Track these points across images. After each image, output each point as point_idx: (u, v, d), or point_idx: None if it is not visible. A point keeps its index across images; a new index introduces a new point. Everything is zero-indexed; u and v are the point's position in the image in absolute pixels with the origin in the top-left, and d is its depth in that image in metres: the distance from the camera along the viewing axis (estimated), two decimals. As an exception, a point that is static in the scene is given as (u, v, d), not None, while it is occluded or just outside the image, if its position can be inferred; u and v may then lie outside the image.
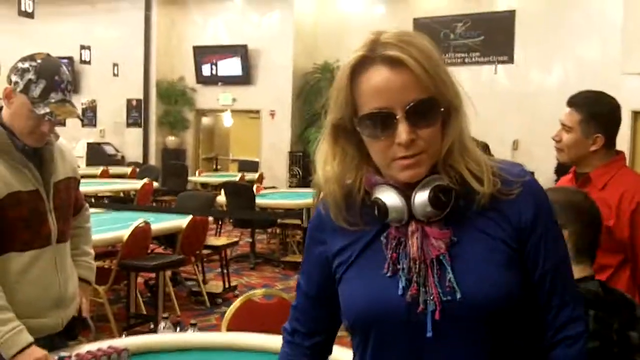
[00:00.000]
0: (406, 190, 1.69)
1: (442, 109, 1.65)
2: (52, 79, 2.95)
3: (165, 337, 3.35)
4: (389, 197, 1.69)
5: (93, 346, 3.08)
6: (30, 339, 2.87)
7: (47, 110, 2.92)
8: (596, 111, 3.44)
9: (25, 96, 2.94)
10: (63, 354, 2.85)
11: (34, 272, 3.03)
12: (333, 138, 1.79)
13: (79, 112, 3.13)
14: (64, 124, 3.11)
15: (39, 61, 2.98)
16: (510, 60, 15.62)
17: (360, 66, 1.69)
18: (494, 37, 15.82)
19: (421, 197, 1.67)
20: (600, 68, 13.51)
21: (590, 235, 2.57)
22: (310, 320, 1.94)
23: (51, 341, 3.10)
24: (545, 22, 14.79)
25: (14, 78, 2.98)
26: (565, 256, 1.80)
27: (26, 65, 2.97)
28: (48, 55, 3.05)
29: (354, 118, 1.71)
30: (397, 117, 1.62)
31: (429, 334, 1.65)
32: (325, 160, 1.81)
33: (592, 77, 12.42)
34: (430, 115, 1.63)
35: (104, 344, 3.09)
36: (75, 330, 3.27)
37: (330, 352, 1.99)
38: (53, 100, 2.94)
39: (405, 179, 1.67)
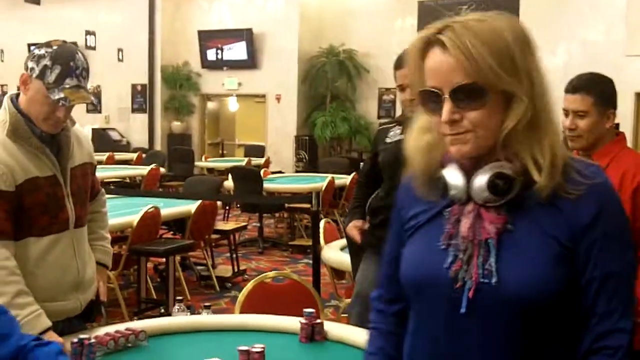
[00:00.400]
0: (472, 171, 1.74)
1: (491, 95, 1.68)
2: (68, 65, 2.98)
3: (180, 319, 3.39)
4: (453, 176, 1.77)
5: (111, 328, 3.14)
6: (48, 323, 2.90)
7: (62, 95, 2.95)
8: (605, 89, 3.53)
9: (40, 82, 2.98)
10: (82, 336, 2.89)
11: (52, 257, 3.06)
12: (422, 113, 1.85)
13: (93, 98, 3.14)
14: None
15: (54, 47, 3.01)
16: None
17: (426, 46, 1.76)
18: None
19: (480, 181, 1.72)
20: (604, 50, 13.53)
21: None
22: (392, 286, 1.99)
23: (70, 324, 3.15)
24: (549, 5, 14.76)
25: (30, 64, 3.01)
26: (623, 270, 1.73)
27: (42, 51, 3.00)
28: (64, 42, 3.08)
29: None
30: (444, 96, 1.70)
31: (463, 310, 1.70)
32: (416, 130, 1.88)
33: (596, 59, 12.44)
34: (475, 99, 1.68)
35: (122, 326, 3.14)
36: (93, 313, 3.32)
37: None
38: (68, 86, 2.97)
39: (453, 153, 1.74)
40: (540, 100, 1.70)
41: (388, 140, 4.14)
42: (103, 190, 3.59)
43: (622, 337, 1.70)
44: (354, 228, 4.26)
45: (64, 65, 2.98)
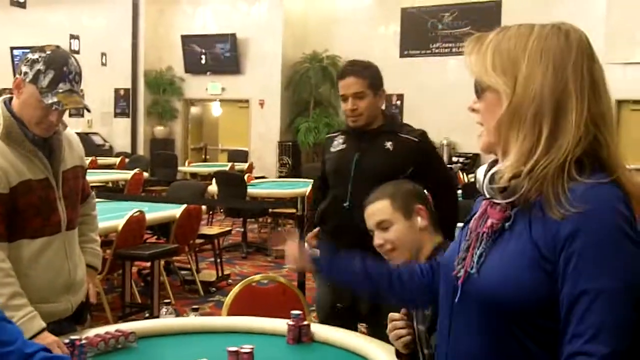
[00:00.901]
0: None
1: (486, 92, 1.78)
2: (61, 70, 3.02)
3: (169, 321, 3.43)
4: (480, 170, 1.83)
5: (101, 330, 3.17)
6: (43, 324, 2.93)
7: (55, 99, 2.99)
8: None
9: (34, 86, 3.01)
10: (73, 337, 2.92)
11: (45, 259, 3.10)
12: None
13: (86, 103, 3.19)
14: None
15: (48, 52, 3.05)
16: (497, 50, 15.69)
17: None
18: (480, 28, 15.64)
19: (480, 176, 1.81)
20: (585, 57, 13.61)
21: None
22: None
23: (60, 325, 3.17)
24: (530, 12, 14.82)
25: (23, 69, 3.05)
26: (600, 290, 1.60)
27: (36, 56, 3.04)
28: (57, 47, 3.12)
29: None
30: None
31: (456, 300, 1.80)
32: None
33: (578, 66, 12.52)
34: (480, 93, 1.81)
35: (112, 328, 3.17)
36: (83, 314, 3.35)
37: None
38: (61, 91, 3.01)
39: (479, 147, 1.85)
40: (531, 103, 1.69)
41: (332, 149, 4.19)
42: (93, 193, 3.63)
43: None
44: (311, 238, 4.29)
45: (58, 70, 3.02)
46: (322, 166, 4.41)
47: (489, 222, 1.76)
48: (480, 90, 1.79)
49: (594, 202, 1.64)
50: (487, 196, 1.78)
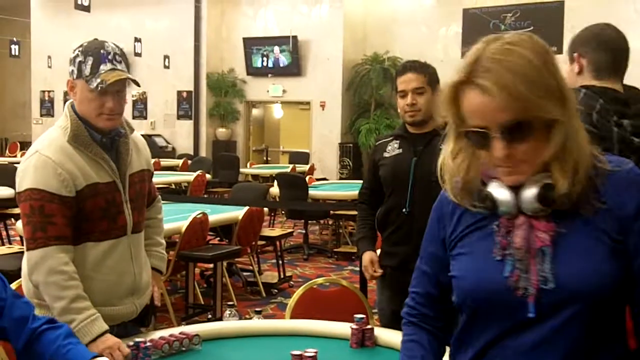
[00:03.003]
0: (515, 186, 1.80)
1: (536, 125, 1.73)
2: (98, 53, 3.04)
3: (233, 324, 3.43)
4: (500, 192, 1.81)
5: (165, 332, 3.19)
6: (105, 327, 2.95)
7: (99, 80, 3.01)
8: None
9: (81, 79, 3.05)
10: (138, 339, 2.94)
11: (110, 261, 3.12)
12: (452, 139, 1.89)
13: (130, 75, 3.16)
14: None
15: (84, 44, 3.09)
16: (559, 51, 15.43)
17: (460, 86, 1.79)
18: (543, 28, 15.71)
19: (528, 194, 1.77)
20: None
21: (608, 56, 3.05)
22: (434, 305, 2.08)
23: (125, 328, 3.20)
24: (594, 12, 14.64)
25: (70, 68, 3.09)
26: None
27: (75, 52, 3.09)
28: (95, 39, 3.15)
29: (462, 127, 1.84)
30: (493, 135, 1.75)
31: (531, 315, 1.75)
32: (448, 156, 1.92)
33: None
34: (524, 133, 1.73)
35: (176, 330, 3.19)
36: (148, 317, 3.37)
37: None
38: (103, 71, 3.03)
39: (508, 183, 1.80)
40: (572, 110, 1.76)
41: (387, 154, 4.14)
42: (159, 196, 3.64)
43: None
44: (369, 265, 4.25)
45: (95, 54, 3.04)
46: (371, 175, 4.33)
47: (544, 235, 1.76)
48: (521, 130, 1.72)
49: (623, 163, 1.80)
50: (530, 213, 1.78)
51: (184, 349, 3.06)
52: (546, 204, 1.75)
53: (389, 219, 4.15)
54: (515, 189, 1.79)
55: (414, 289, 2.13)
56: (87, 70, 3.03)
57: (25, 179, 3.01)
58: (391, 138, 4.17)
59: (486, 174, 1.85)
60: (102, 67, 3.03)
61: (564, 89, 1.75)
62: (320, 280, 4.19)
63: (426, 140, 4.01)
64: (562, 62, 2.82)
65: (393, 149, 4.11)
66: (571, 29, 15.27)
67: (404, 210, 4.01)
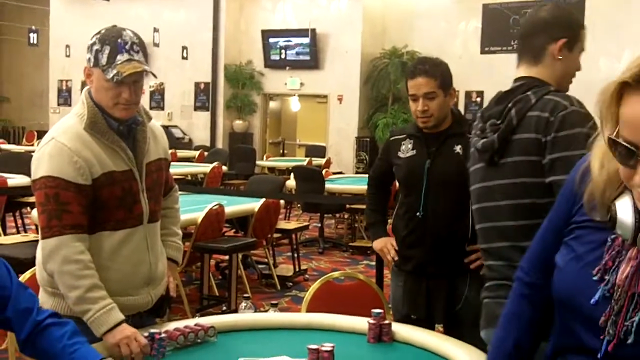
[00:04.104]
0: None
1: None
2: (115, 43, 2.99)
3: (249, 316, 3.40)
4: (625, 212, 1.62)
5: (180, 324, 3.16)
6: (121, 317, 2.91)
7: (115, 71, 2.96)
8: None
9: (98, 68, 3.00)
10: (153, 330, 2.91)
11: (126, 251, 3.09)
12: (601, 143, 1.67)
13: (147, 67, 3.09)
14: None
15: (102, 32, 3.04)
16: (580, 46, 15.40)
17: (627, 88, 1.56)
18: (564, 23, 15.62)
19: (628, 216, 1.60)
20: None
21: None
22: (537, 272, 1.98)
23: (140, 318, 3.16)
24: (615, 9, 14.57)
25: (87, 56, 3.04)
26: None
27: (93, 40, 3.03)
28: (113, 25, 3.10)
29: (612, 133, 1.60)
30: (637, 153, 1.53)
31: (599, 355, 1.65)
32: (597, 162, 1.69)
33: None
34: None
35: (191, 322, 3.16)
36: (163, 308, 3.33)
37: None
38: (119, 62, 2.98)
39: None
40: None
41: (401, 155, 4.07)
42: (176, 186, 3.59)
43: None
44: (384, 245, 4.19)
45: (112, 44, 2.99)
46: (382, 167, 4.30)
47: None
48: None
49: None
50: None
51: (199, 340, 3.03)
52: None
53: (402, 222, 4.11)
54: None
55: (531, 257, 2.02)
56: (103, 60, 2.99)
57: (41, 167, 2.97)
58: (404, 136, 4.09)
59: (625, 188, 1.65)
60: (118, 57, 2.99)
61: None
62: (336, 274, 4.17)
63: (440, 141, 3.95)
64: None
65: (407, 149, 4.05)
66: (592, 24, 15.19)
67: (417, 214, 3.96)
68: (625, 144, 1.53)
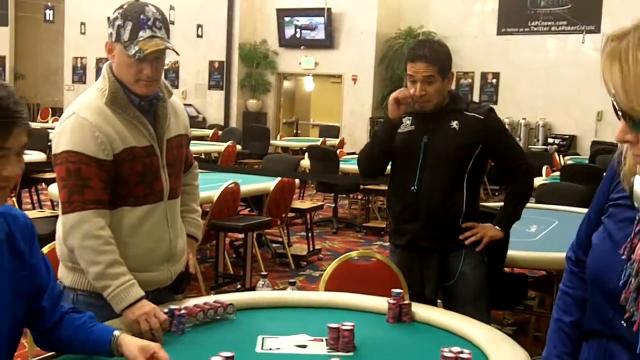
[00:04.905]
0: None
1: None
2: (138, 19, 2.96)
3: (268, 294, 3.40)
4: None
5: (200, 300, 3.15)
6: (141, 293, 2.91)
7: (137, 48, 2.93)
8: None
9: (119, 44, 2.97)
10: (172, 307, 2.91)
11: (146, 227, 3.08)
12: None
13: (170, 44, 3.05)
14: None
15: (124, 6, 3.01)
16: (597, 30, 15.33)
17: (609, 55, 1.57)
18: (581, 6, 15.55)
19: None
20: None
21: None
22: (583, 249, 1.96)
23: (159, 294, 3.16)
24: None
25: (109, 31, 3.02)
26: None
27: (115, 14, 3.00)
28: (136, 0, 3.07)
29: None
30: (620, 114, 1.54)
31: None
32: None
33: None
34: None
35: (210, 299, 3.16)
36: (182, 284, 3.33)
37: None
38: (141, 38, 2.94)
39: None
40: None
41: (399, 130, 4.07)
42: (196, 163, 3.58)
43: None
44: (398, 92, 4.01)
45: (134, 19, 2.96)
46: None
47: None
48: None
49: None
50: None
51: (218, 317, 3.02)
52: None
53: (397, 197, 4.15)
54: None
55: (578, 234, 2.02)
56: (125, 36, 2.96)
57: (62, 141, 2.95)
58: (404, 114, 4.08)
59: None
60: (141, 33, 2.96)
61: None
62: (354, 253, 4.15)
63: (437, 117, 3.99)
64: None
65: (405, 125, 4.07)
66: (609, 7, 15.09)
67: (412, 188, 4.00)
68: (613, 101, 1.55)
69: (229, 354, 2.38)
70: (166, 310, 2.88)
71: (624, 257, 1.66)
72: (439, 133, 3.97)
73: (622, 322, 1.65)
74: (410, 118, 4.06)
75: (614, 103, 1.53)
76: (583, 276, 1.93)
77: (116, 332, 2.45)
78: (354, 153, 14.86)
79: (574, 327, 1.93)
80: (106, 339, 2.44)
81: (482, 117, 3.99)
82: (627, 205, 1.71)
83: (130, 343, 2.43)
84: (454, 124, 3.97)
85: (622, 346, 1.68)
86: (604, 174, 1.92)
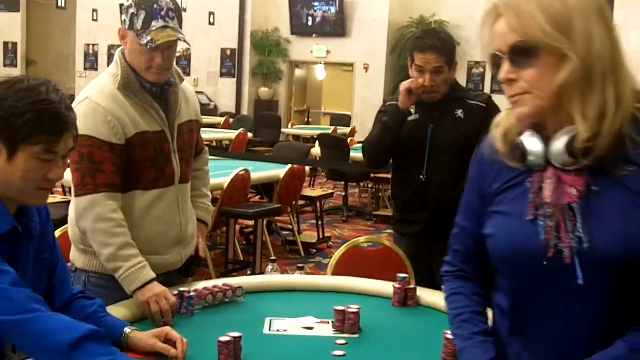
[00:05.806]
0: (549, 136, 1.75)
1: (543, 53, 1.68)
2: (151, 8, 3.00)
3: (276, 277, 3.44)
4: (531, 142, 1.77)
5: (209, 283, 3.21)
6: (152, 275, 2.96)
7: (149, 38, 2.97)
8: None
9: (132, 32, 3.02)
10: (182, 289, 2.96)
11: (157, 211, 3.13)
12: None
13: (181, 35, 3.09)
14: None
15: None
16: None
17: (494, 19, 1.77)
18: (594, -5, 15.49)
19: (557, 144, 1.72)
20: None
21: None
22: (474, 261, 2.03)
23: (169, 277, 3.21)
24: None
25: (122, 18, 3.06)
26: None
27: (129, 2, 3.04)
28: None
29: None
30: (502, 57, 1.73)
31: (580, 282, 1.70)
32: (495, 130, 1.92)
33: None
34: (527, 57, 1.69)
35: (220, 282, 3.21)
36: (192, 268, 3.38)
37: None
38: (154, 28, 2.98)
39: (516, 117, 1.78)
40: (597, 62, 1.68)
41: None
42: (207, 148, 3.63)
43: None
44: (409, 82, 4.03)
45: (148, 8, 3.00)
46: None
47: (573, 190, 1.71)
48: (526, 53, 1.69)
49: None
50: (558, 165, 1.73)
51: (227, 300, 3.07)
52: (574, 155, 1.69)
53: (404, 186, 4.17)
54: (548, 140, 1.74)
55: (454, 245, 2.11)
56: (138, 24, 3.00)
57: None
58: None
59: (524, 125, 1.81)
60: (153, 23, 3.00)
61: (596, 39, 1.69)
62: (362, 239, 4.19)
63: (441, 106, 4.02)
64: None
65: (410, 114, 4.06)
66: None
67: (420, 177, 4.02)
68: (494, 52, 1.75)
69: (237, 334, 2.43)
70: (176, 292, 2.93)
71: (531, 217, 1.76)
72: (445, 122, 4.00)
73: (544, 262, 1.72)
74: (414, 107, 4.08)
75: (497, 53, 1.74)
76: (469, 276, 2.05)
77: (127, 330, 2.49)
78: (365, 141, 14.87)
79: (475, 314, 1.99)
80: (117, 333, 2.47)
81: (485, 105, 4.02)
82: (513, 185, 1.84)
83: (143, 337, 2.48)
84: (459, 112, 4.00)
85: (562, 296, 1.75)
86: (466, 185, 2.05)
